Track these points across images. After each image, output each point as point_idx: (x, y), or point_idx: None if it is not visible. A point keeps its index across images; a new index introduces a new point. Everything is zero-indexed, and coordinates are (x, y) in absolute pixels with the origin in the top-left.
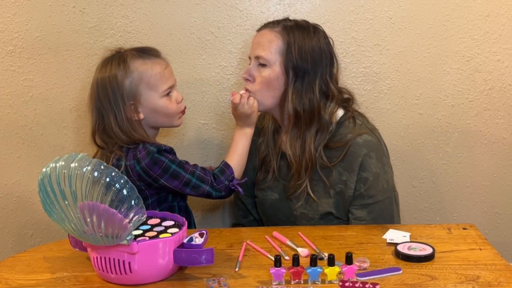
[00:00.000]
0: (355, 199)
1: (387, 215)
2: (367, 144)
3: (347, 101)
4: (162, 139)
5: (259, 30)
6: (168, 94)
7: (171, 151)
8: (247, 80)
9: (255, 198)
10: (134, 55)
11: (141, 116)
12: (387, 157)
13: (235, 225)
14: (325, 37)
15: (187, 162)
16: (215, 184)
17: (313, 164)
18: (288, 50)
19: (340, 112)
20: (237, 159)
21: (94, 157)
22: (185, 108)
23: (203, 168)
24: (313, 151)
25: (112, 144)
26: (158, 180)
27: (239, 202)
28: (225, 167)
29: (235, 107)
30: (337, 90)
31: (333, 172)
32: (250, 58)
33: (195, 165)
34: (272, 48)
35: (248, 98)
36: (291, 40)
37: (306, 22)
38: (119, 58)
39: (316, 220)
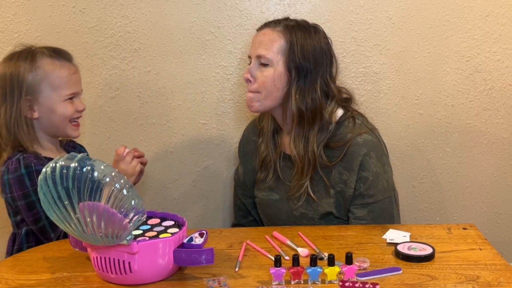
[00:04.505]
0: (355, 198)
1: (387, 214)
2: (367, 143)
3: (346, 101)
4: (162, 139)
5: (259, 29)
6: (70, 100)
7: None
8: (248, 81)
9: (255, 198)
10: (44, 53)
11: (36, 114)
12: (387, 157)
13: (235, 225)
14: (325, 37)
15: None
16: (61, 238)
17: (315, 163)
18: (290, 49)
19: (339, 112)
20: None
21: None
22: (79, 118)
23: None
24: (316, 150)
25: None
26: (15, 201)
27: (239, 202)
28: None
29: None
30: (337, 90)
31: (333, 172)
32: (250, 57)
33: None
34: (274, 47)
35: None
36: (293, 40)
37: (306, 22)
38: (28, 53)
39: (316, 220)
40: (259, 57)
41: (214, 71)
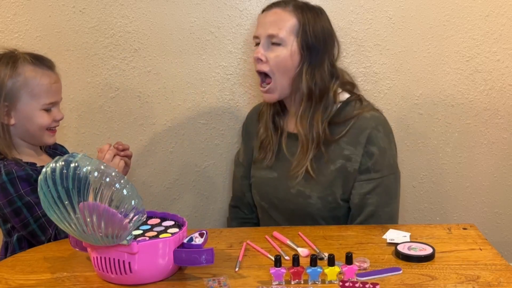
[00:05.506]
0: (361, 173)
1: (391, 192)
2: (375, 118)
3: (351, 85)
4: (161, 139)
5: (267, 9)
6: (48, 109)
7: (26, 178)
8: (258, 60)
9: (251, 179)
10: (26, 60)
11: (12, 121)
12: (393, 136)
13: (231, 206)
14: (328, 19)
15: (38, 204)
16: (52, 240)
17: (319, 141)
18: (303, 29)
19: (346, 94)
20: None
21: None
22: (56, 127)
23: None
24: (321, 128)
25: None
26: (1, 209)
27: (236, 184)
28: None
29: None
30: (340, 71)
31: (335, 148)
32: (256, 37)
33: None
34: (287, 26)
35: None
36: (305, 19)
37: (311, 4)
38: (10, 58)
39: (313, 198)
40: (271, 36)
41: (214, 71)
